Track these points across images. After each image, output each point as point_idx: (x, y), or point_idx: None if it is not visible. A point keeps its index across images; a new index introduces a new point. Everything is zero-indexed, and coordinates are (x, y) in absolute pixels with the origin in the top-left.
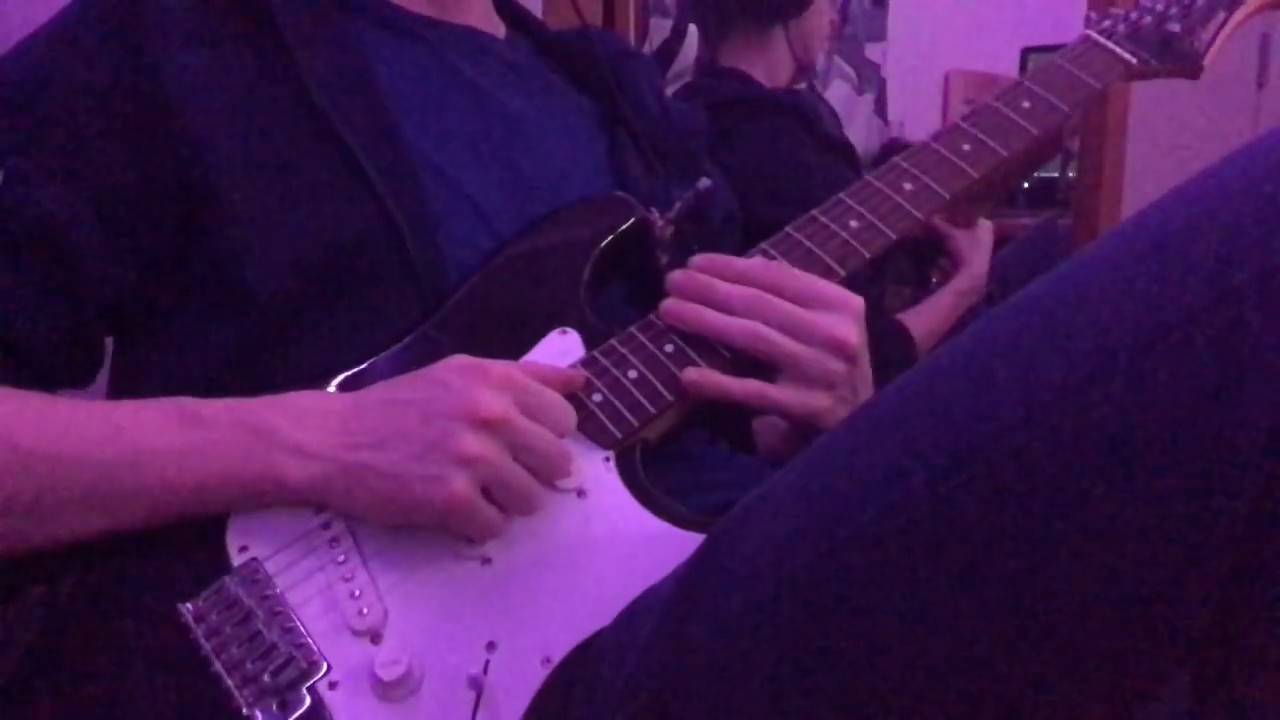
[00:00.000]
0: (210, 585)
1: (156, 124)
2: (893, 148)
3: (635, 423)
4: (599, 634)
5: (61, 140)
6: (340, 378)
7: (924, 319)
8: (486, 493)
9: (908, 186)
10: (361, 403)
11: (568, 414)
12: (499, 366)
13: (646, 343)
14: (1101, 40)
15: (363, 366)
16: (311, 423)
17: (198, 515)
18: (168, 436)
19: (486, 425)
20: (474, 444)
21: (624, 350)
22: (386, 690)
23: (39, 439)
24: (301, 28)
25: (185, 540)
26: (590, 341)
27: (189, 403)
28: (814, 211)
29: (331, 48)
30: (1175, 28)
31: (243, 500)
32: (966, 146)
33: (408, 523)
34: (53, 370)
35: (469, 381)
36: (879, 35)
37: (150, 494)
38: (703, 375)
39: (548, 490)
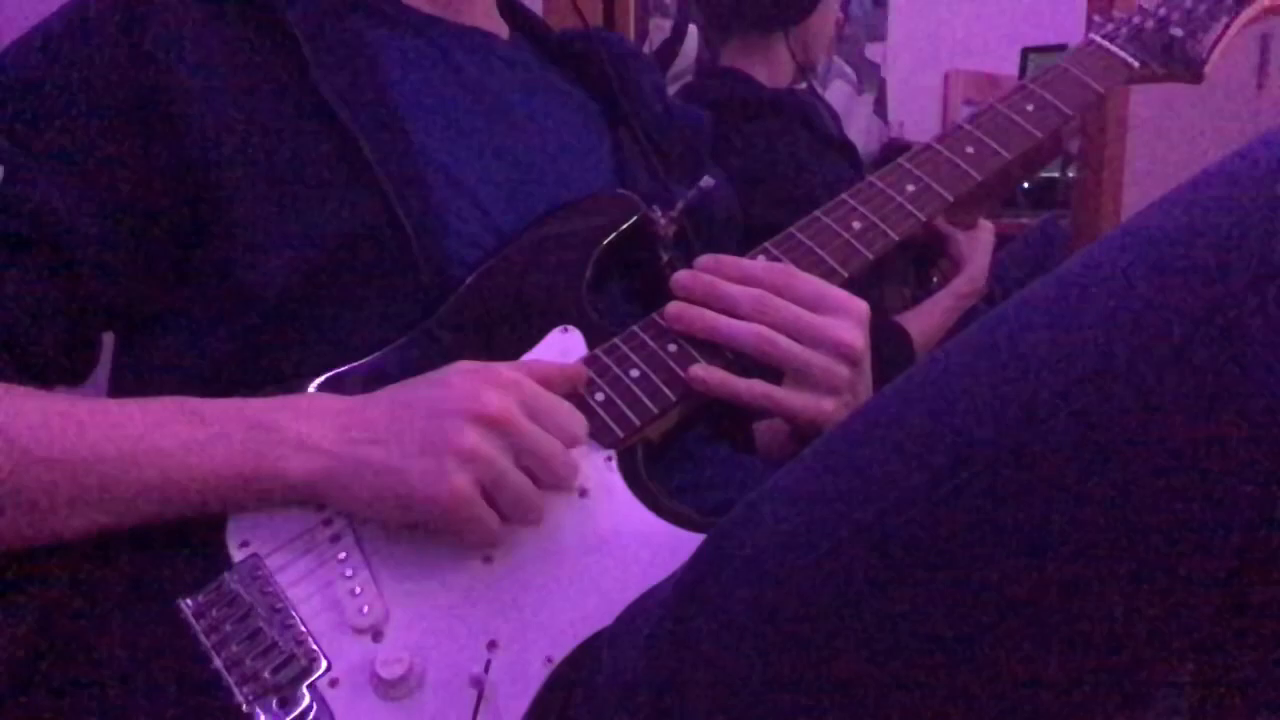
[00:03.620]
0: (210, 582)
1: (160, 121)
2: (893, 148)
3: (637, 422)
4: (600, 633)
5: (63, 137)
6: (334, 374)
7: (924, 320)
8: (488, 497)
9: (910, 188)
10: (365, 402)
11: (577, 421)
12: (506, 369)
13: (649, 341)
14: (1104, 44)
15: (362, 362)
16: (314, 419)
17: (200, 512)
18: (170, 433)
19: (489, 423)
20: (475, 440)
21: (626, 349)
22: (387, 688)
23: (38, 437)
24: (309, 24)
25: (185, 537)
26: (592, 339)
27: (191, 401)
28: (817, 212)
29: (338, 45)
30: (1178, 32)
31: (245, 495)
32: (970, 148)
33: (408, 520)
34: (50, 367)
35: (474, 381)
36: (879, 35)
37: (152, 491)
38: (709, 374)
39: (549, 490)
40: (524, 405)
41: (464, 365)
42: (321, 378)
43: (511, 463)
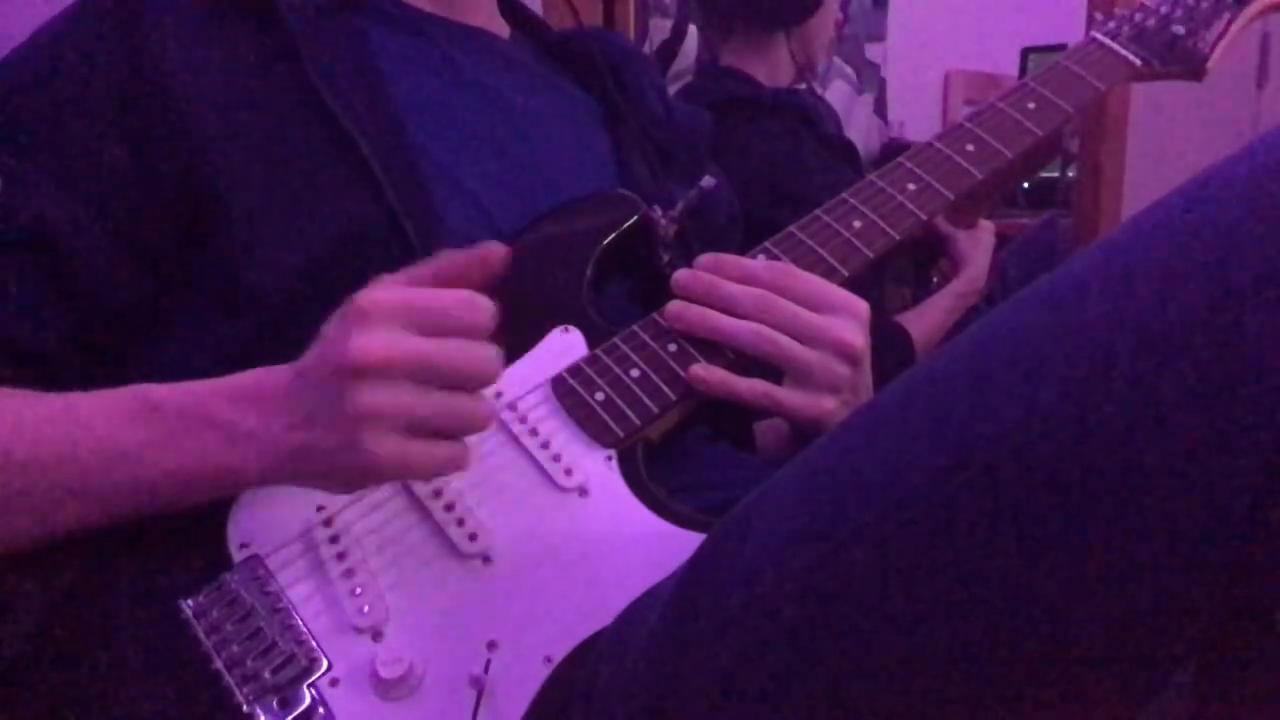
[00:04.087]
0: (211, 582)
1: (159, 123)
2: (893, 148)
3: (637, 421)
4: (600, 633)
5: (62, 141)
6: None
7: (924, 320)
8: (417, 434)
9: (911, 186)
10: (281, 377)
11: (474, 309)
12: (372, 295)
13: (649, 341)
14: (1106, 41)
15: None
16: (241, 402)
17: (178, 507)
18: (128, 434)
19: (372, 373)
20: (367, 397)
21: (626, 348)
22: (387, 688)
23: (12, 439)
24: (307, 24)
25: (186, 537)
26: (592, 339)
27: (148, 393)
28: (817, 211)
29: (337, 44)
30: (1179, 30)
31: (210, 491)
32: (970, 147)
33: (369, 487)
34: (56, 372)
35: (341, 330)
36: (879, 35)
37: (124, 488)
38: (709, 373)
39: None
40: (412, 325)
41: (339, 310)
42: None
43: (419, 395)
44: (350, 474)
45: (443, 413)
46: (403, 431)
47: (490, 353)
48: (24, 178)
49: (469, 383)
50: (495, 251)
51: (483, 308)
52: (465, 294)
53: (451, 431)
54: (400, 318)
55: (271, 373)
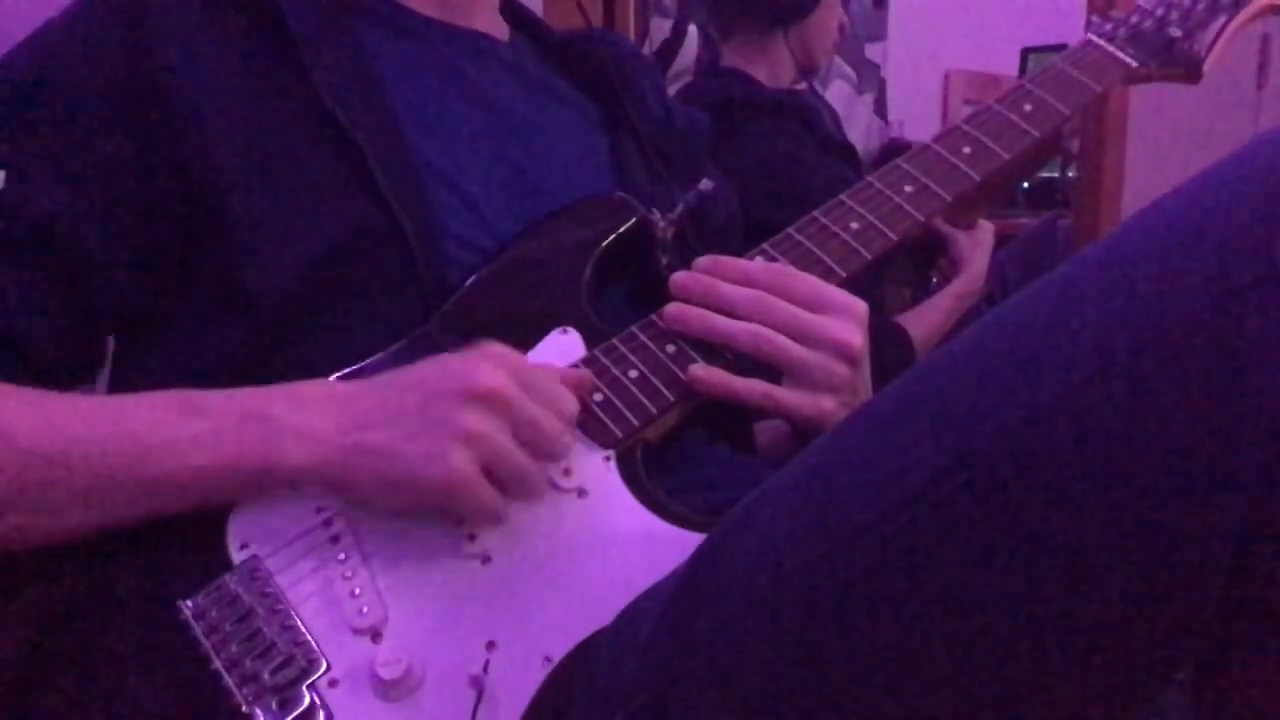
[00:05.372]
0: (210, 583)
1: (161, 124)
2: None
3: (636, 422)
4: (599, 633)
5: (65, 139)
6: (335, 376)
7: (924, 320)
8: (488, 474)
9: (908, 188)
10: (362, 389)
11: (569, 399)
12: (498, 346)
13: (648, 342)
14: (1102, 43)
15: (361, 365)
16: (311, 408)
17: (200, 507)
18: (168, 428)
19: (485, 399)
20: (473, 419)
21: (625, 349)
22: (387, 689)
23: (38, 436)
24: (309, 28)
25: (185, 537)
26: (591, 341)
27: (189, 394)
28: (815, 213)
29: (338, 49)
30: (1176, 32)
31: (247, 487)
32: (967, 149)
33: (410, 505)
34: (54, 369)
35: (468, 360)
36: (879, 35)
37: (152, 486)
38: (709, 373)
39: (547, 483)
40: (518, 381)
41: (457, 351)
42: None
43: (510, 439)
44: (414, 480)
45: (517, 463)
46: (481, 462)
47: (569, 435)
48: (27, 174)
49: (545, 449)
50: (586, 377)
51: (572, 400)
52: (565, 374)
53: (514, 482)
54: (515, 371)
55: (332, 382)
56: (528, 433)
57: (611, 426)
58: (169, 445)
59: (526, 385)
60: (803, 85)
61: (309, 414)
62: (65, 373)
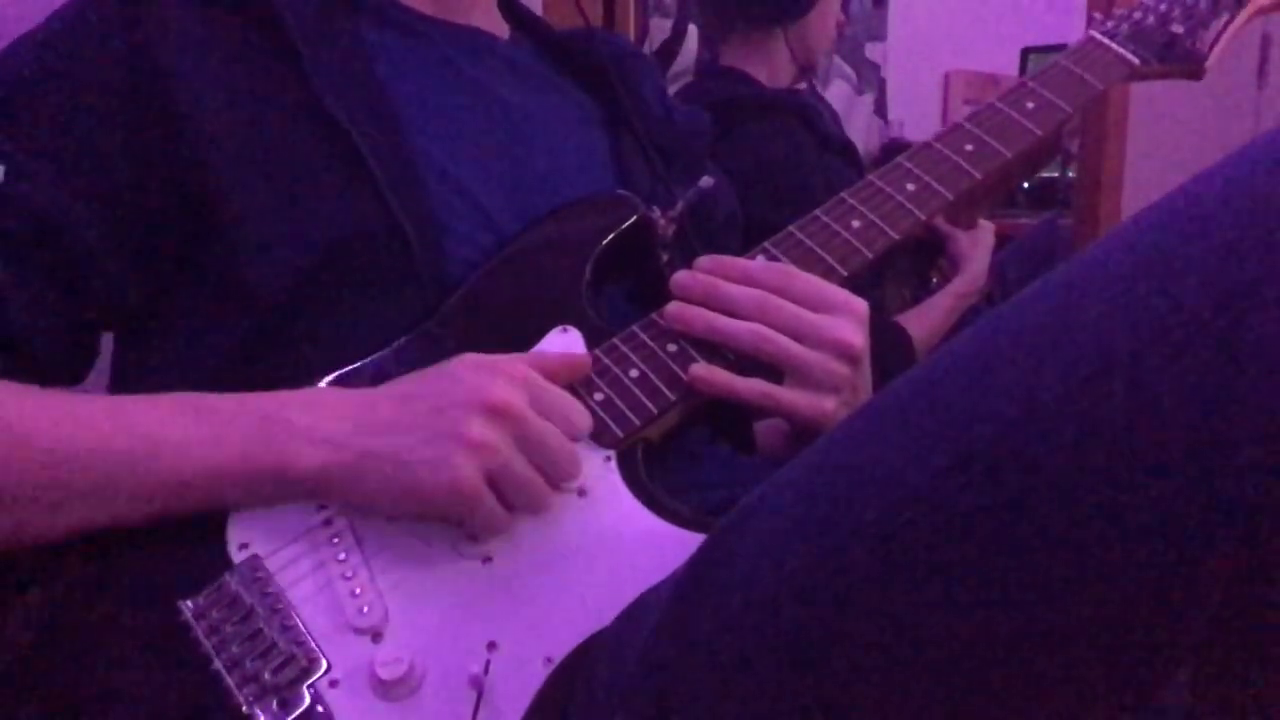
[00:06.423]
0: (211, 583)
1: (159, 122)
2: (894, 148)
3: (637, 422)
4: (600, 634)
5: (63, 137)
6: (335, 375)
7: (924, 320)
8: (494, 487)
9: (910, 186)
10: (372, 394)
11: (580, 414)
12: (511, 361)
13: (649, 341)
14: (1104, 40)
15: (362, 362)
16: (321, 411)
17: (206, 507)
18: (178, 427)
19: (496, 413)
20: (482, 430)
21: (626, 349)
22: (387, 689)
23: (43, 432)
24: (307, 26)
25: (186, 537)
26: (591, 339)
27: (197, 396)
28: (816, 211)
29: (336, 46)
30: (1178, 29)
31: (254, 489)
32: (969, 147)
33: (416, 510)
34: (48, 366)
35: (480, 372)
36: (879, 35)
37: (160, 486)
38: (710, 373)
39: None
40: (529, 397)
41: (470, 358)
42: (323, 381)
43: (517, 453)
44: (420, 489)
45: (523, 477)
46: (487, 474)
47: (578, 457)
48: (27, 170)
49: (553, 468)
50: (585, 362)
51: (584, 415)
52: (575, 402)
53: (519, 496)
54: (528, 388)
55: (343, 389)
56: (536, 449)
57: (612, 426)
58: (182, 445)
59: (539, 402)
60: (802, 85)
61: (319, 417)
62: (60, 369)
